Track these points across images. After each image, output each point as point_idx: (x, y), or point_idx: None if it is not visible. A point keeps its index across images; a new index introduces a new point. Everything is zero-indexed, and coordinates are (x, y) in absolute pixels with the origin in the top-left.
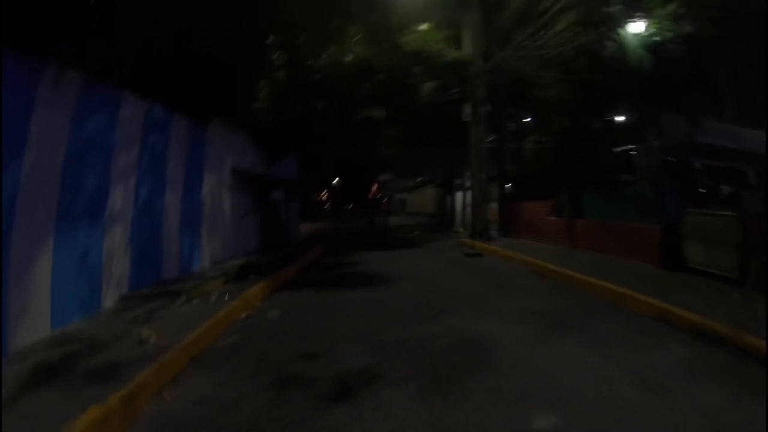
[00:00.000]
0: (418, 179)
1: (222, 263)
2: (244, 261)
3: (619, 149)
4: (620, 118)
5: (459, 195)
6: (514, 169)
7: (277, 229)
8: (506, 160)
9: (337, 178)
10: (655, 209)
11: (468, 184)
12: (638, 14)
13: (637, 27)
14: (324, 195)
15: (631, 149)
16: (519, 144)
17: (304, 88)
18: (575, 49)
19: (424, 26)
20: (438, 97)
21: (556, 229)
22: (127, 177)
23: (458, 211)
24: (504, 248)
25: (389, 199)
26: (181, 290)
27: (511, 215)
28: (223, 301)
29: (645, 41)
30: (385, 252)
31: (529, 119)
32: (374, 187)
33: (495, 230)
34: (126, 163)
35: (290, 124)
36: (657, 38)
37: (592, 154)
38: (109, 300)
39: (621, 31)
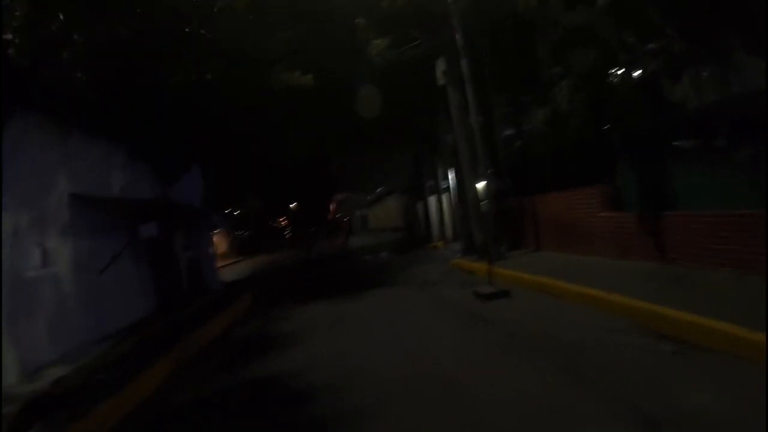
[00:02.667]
0: (378, 190)
1: (43, 370)
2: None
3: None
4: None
5: (433, 200)
6: (516, 152)
7: (176, 278)
8: (497, 144)
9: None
10: None
11: (445, 184)
12: None
13: None
14: (282, 221)
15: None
16: (516, 121)
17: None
18: None
19: None
20: (393, 57)
21: (616, 231)
22: None
23: (434, 220)
24: (535, 273)
25: (350, 218)
26: None
27: (521, 217)
28: None
29: None
30: (343, 299)
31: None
32: (332, 207)
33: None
34: None
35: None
36: None
37: (656, 111)
38: None
39: None
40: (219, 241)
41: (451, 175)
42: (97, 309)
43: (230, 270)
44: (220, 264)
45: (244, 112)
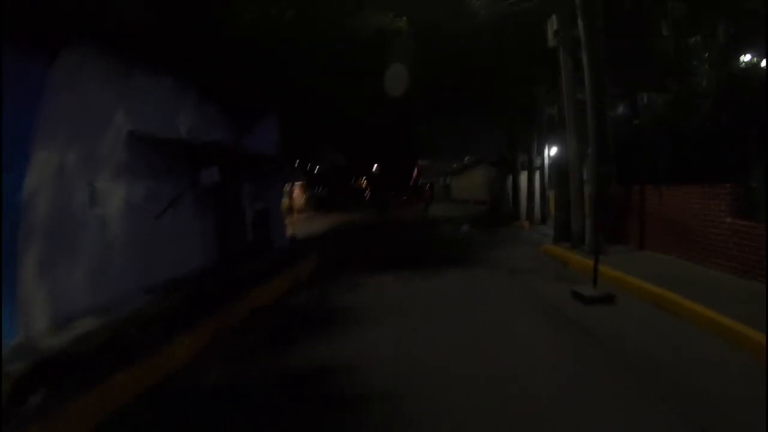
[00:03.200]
0: (466, 159)
1: (76, 320)
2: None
3: None
4: None
5: (524, 176)
6: (626, 135)
7: (241, 231)
8: (605, 124)
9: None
10: None
11: (539, 161)
12: None
13: None
14: (363, 182)
15: None
16: (630, 99)
17: None
18: None
19: None
20: (500, 10)
21: (744, 244)
22: None
23: (523, 198)
24: (644, 278)
25: (431, 185)
26: None
27: (624, 208)
28: None
29: None
30: (417, 274)
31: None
32: (415, 172)
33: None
34: None
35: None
36: None
37: None
38: None
39: None
40: (297, 195)
41: (546, 152)
42: (150, 257)
43: (304, 226)
44: (295, 218)
45: (327, 58)
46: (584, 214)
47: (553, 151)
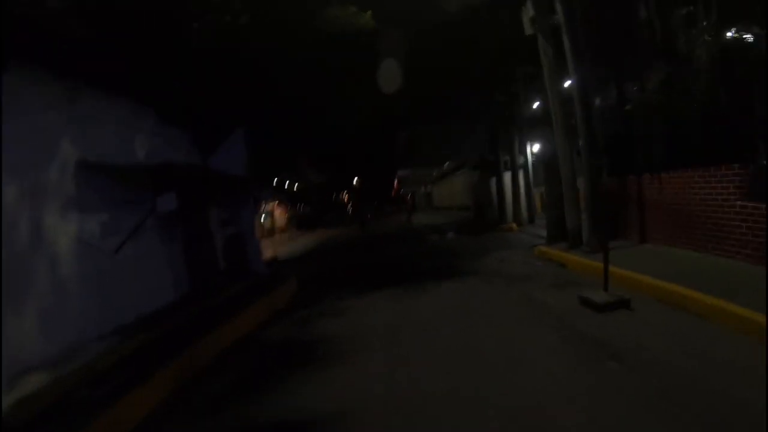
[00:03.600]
0: (446, 165)
1: (26, 376)
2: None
3: None
4: None
5: (508, 177)
6: (616, 123)
7: (211, 259)
8: (591, 113)
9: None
10: None
11: (521, 159)
12: None
13: None
14: (345, 195)
15: None
16: (617, 85)
17: None
18: None
19: None
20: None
21: (757, 226)
22: None
23: (508, 199)
24: (657, 275)
25: (412, 194)
26: None
27: (620, 201)
28: None
29: None
30: (407, 291)
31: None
32: (396, 183)
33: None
34: None
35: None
36: None
37: None
38: None
39: None
40: (279, 215)
41: (529, 149)
42: (111, 296)
43: (286, 246)
44: (277, 238)
45: (292, 63)
46: (579, 211)
47: (536, 148)
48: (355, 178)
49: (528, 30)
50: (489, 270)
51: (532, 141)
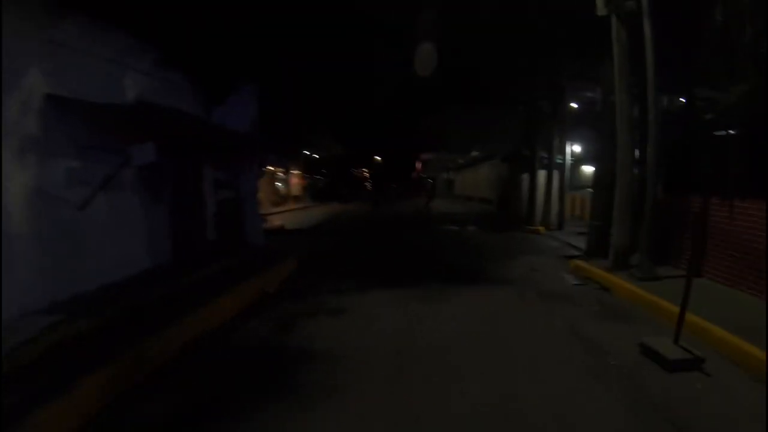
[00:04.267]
0: (473, 153)
1: None
2: None
3: None
4: None
5: (542, 175)
6: (678, 132)
7: (199, 225)
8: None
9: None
10: None
11: (559, 159)
12: None
13: None
14: (364, 173)
15: None
16: (686, 89)
17: None
18: None
19: None
20: None
21: None
22: None
23: (539, 199)
24: (734, 330)
25: (433, 179)
26: None
27: (677, 224)
28: None
29: None
30: (419, 295)
31: None
32: (418, 166)
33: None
34: None
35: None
36: None
37: None
38: None
39: None
40: (295, 183)
41: (569, 149)
42: (69, 259)
43: (298, 216)
44: (285, 209)
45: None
46: (631, 226)
47: (576, 148)
48: (376, 156)
49: (601, 10)
50: (519, 279)
51: (573, 140)
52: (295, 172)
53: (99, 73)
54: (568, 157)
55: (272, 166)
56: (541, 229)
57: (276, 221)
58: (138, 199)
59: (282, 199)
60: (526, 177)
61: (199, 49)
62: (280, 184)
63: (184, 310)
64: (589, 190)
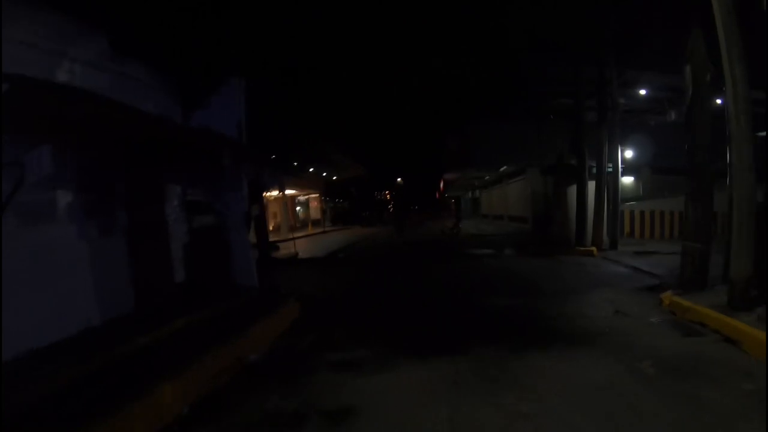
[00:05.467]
0: (502, 168)
1: None
2: None
3: None
4: None
5: (591, 187)
6: None
7: (161, 263)
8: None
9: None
10: None
11: (610, 166)
12: None
13: None
14: (386, 195)
15: None
16: None
17: None
18: None
19: None
20: None
21: None
22: None
23: (589, 215)
24: None
25: (457, 199)
26: None
27: None
28: None
29: None
30: (476, 384)
31: None
32: (442, 186)
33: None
34: None
35: None
36: None
37: None
38: None
39: None
40: (314, 207)
41: (620, 155)
42: None
43: (314, 242)
44: (303, 234)
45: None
46: (753, 251)
47: (628, 153)
48: (398, 178)
49: None
50: (607, 332)
51: (624, 145)
52: (314, 195)
53: (20, 63)
54: (620, 164)
55: (269, 186)
56: (594, 250)
57: (289, 249)
58: (72, 226)
59: (301, 223)
60: (572, 190)
61: (173, 38)
62: (299, 208)
63: (81, 419)
64: (632, 203)
